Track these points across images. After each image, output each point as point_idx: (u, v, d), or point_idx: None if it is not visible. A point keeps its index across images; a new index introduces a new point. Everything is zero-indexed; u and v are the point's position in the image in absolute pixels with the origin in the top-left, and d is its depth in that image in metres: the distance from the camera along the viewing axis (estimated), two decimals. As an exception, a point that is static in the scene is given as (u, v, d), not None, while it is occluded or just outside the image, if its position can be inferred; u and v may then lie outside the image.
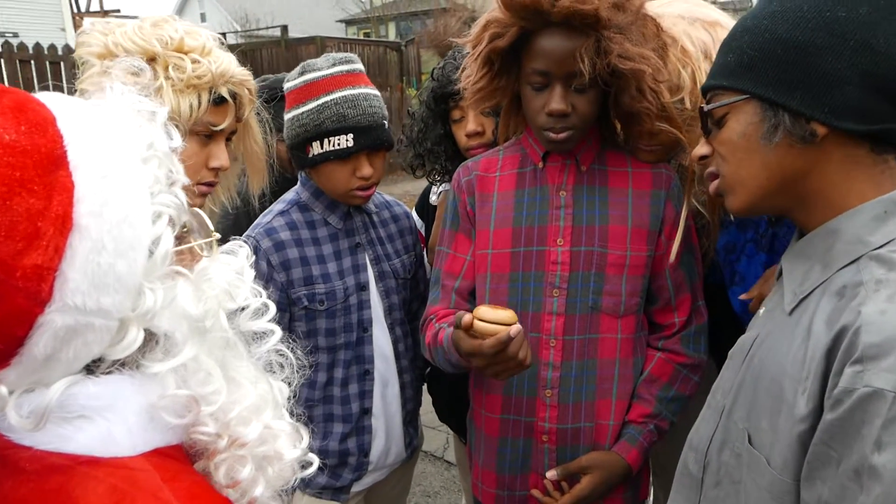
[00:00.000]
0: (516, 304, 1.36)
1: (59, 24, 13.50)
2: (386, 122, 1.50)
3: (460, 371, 1.36)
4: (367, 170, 1.47)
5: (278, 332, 0.70)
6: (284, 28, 13.77)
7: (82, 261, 0.52)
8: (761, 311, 0.94)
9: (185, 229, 0.66)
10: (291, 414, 0.73)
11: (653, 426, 1.38)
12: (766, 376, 0.82)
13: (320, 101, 1.44)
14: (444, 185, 1.88)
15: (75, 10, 13.77)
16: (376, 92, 1.52)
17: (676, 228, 1.36)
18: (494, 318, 1.15)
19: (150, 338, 0.60)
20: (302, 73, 1.50)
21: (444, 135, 1.79)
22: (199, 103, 1.15)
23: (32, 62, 8.10)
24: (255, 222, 1.55)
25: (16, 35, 10.78)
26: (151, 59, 1.12)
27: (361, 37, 24.46)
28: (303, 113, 1.46)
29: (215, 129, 1.21)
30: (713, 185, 0.93)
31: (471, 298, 1.46)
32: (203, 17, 33.80)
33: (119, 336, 0.56)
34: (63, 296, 0.51)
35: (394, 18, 27.21)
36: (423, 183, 2.02)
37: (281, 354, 0.73)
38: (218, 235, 0.69)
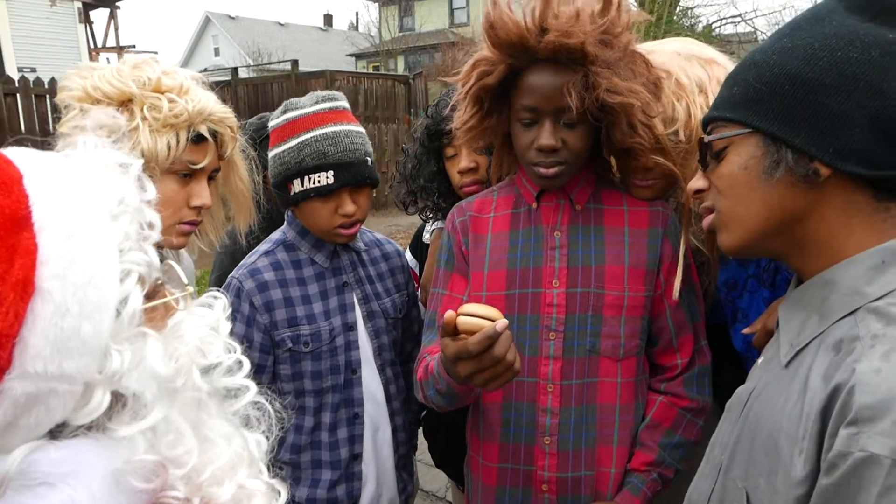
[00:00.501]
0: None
1: (76, 59, 13.86)
2: (369, 159, 1.48)
3: (452, 403, 1.30)
4: (349, 207, 1.45)
5: (253, 388, 0.68)
6: (295, 62, 14.00)
7: (45, 325, 0.50)
8: (760, 360, 0.90)
9: (160, 282, 0.65)
10: (274, 463, 0.71)
11: (656, 475, 1.33)
12: (763, 432, 0.78)
13: (301, 139, 1.43)
14: (437, 222, 1.86)
15: (92, 46, 14.13)
16: (360, 129, 1.51)
17: (675, 267, 1.33)
18: (479, 313, 1.06)
19: (118, 400, 0.57)
20: (284, 112, 1.50)
21: (438, 172, 1.78)
22: (177, 142, 1.15)
23: (48, 97, 8.27)
24: (241, 263, 1.53)
25: (33, 70, 11.06)
26: (128, 101, 1.13)
27: (371, 70, 24.90)
28: (284, 151, 1.46)
29: (195, 167, 1.20)
30: (707, 220, 0.91)
31: None
32: (217, 52, 34.63)
33: (84, 400, 0.54)
34: (23, 362, 0.50)
35: (402, 52, 27.72)
36: (413, 218, 2.01)
37: (259, 408, 0.71)
38: (192, 289, 0.68)
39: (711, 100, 1.30)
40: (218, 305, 0.68)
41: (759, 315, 1.51)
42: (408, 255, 1.95)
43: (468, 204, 1.45)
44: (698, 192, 0.91)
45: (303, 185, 1.43)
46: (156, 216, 0.63)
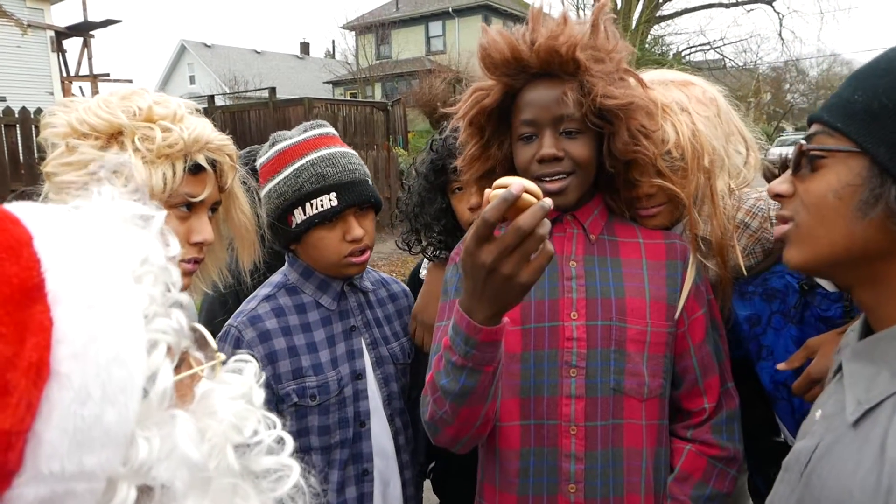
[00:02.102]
0: (529, 388, 1.24)
1: (48, 89, 13.62)
2: (369, 180, 1.41)
3: (466, 388, 1.07)
4: (357, 230, 1.37)
5: (297, 469, 0.58)
6: (272, 90, 13.97)
7: (62, 416, 0.42)
8: (817, 414, 0.82)
9: (185, 349, 0.56)
10: None
11: None
12: (830, 498, 0.70)
13: (296, 166, 1.36)
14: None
15: (65, 75, 13.92)
16: (353, 151, 1.44)
17: (698, 303, 1.28)
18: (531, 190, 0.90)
19: (145, 492, 0.48)
20: (273, 145, 1.42)
21: (444, 209, 1.68)
22: (174, 173, 1.06)
23: (18, 126, 8.06)
24: (238, 309, 1.41)
25: (3, 99, 10.81)
26: (118, 134, 1.04)
27: (348, 97, 25.01)
28: (279, 182, 1.38)
29: (194, 200, 1.11)
30: (780, 230, 0.82)
31: None
32: (192, 80, 34.50)
33: (106, 498, 0.45)
34: (37, 462, 0.40)
35: (380, 79, 27.93)
36: (395, 245, 1.90)
37: (295, 487, 0.62)
38: (223, 356, 0.58)
39: (694, 117, 1.30)
40: (249, 371, 0.59)
41: (786, 352, 1.46)
42: None
43: None
44: (778, 196, 0.82)
45: (305, 214, 1.35)
46: (178, 274, 0.54)
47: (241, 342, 1.35)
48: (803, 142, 0.77)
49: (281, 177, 1.38)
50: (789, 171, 0.81)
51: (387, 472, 1.45)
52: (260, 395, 0.58)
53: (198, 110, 1.17)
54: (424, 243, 1.73)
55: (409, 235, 1.74)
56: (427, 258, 1.77)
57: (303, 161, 1.36)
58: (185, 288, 1.17)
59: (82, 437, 0.42)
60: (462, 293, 1.01)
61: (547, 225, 0.90)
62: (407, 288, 1.66)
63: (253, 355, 1.32)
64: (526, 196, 0.88)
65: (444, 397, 1.11)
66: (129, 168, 0.61)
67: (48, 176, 1.03)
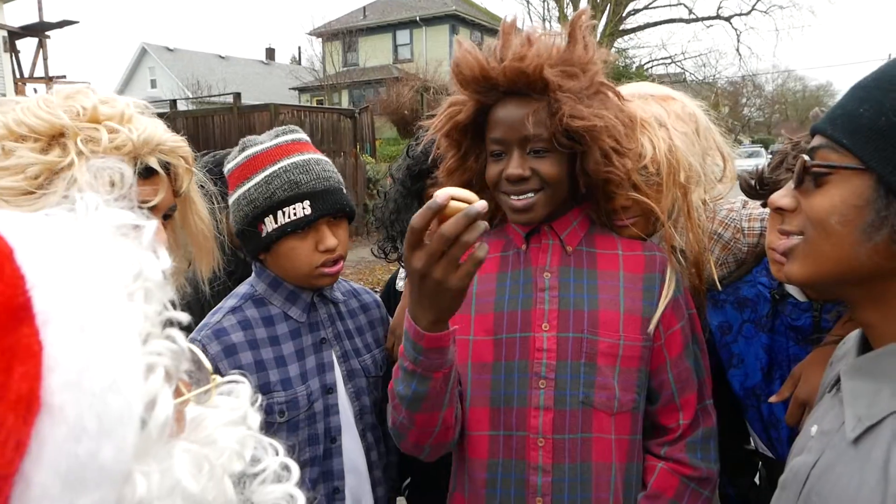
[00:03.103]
0: (499, 398, 1.23)
1: (0, 90, 13.13)
2: (343, 188, 1.37)
3: (419, 393, 1.09)
4: (330, 240, 1.32)
5: (302, 500, 0.54)
6: (237, 95, 13.73)
7: (54, 454, 0.37)
8: (813, 429, 0.81)
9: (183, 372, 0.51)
10: None
11: None
12: None
13: (268, 172, 1.30)
14: None
15: (18, 76, 13.45)
16: (327, 159, 1.39)
17: (675, 316, 1.26)
18: (460, 196, 0.93)
19: None
20: (243, 150, 1.36)
21: None
22: (122, 178, 1.01)
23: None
24: (203, 322, 1.35)
25: (-48, 100, 10.34)
26: (60, 135, 0.97)
27: (315, 104, 24.77)
28: (249, 188, 1.32)
29: (146, 206, 1.04)
30: (784, 244, 0.81)
31: None
32: (153, 84, 33.73)
33: None
34: None
35: (347, 87, 27.76)
36: (363, 252, 1.87)
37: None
38: (220, 379, 0.54)
39: (672, 133, 1.30)
40: (243, 392, 0.54)
41: (756, 361, 1.47)
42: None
43: None
44: (780, 209, 0.80)
45: (276, 222, 1.29)
46: (172, 289, 0.50)
47: (207, 355, 1.28)
48: (806, 157, 0.74)
49: (251, 183, 1.32)
50: (791, 184, 0.79)
51: (359, 491, 1.40)
52: (256, 418, 0.53)
53: (148, 108, 1.09)
54: (401, 251, 1.69)
55: (386, 243, 1.71)
56: (402, 266, 1.74)
57: (275, 167, 1.31)
58: None
59: (76, 477, 0.37)
60: (409, 299, 1.03)
61: (476, 231, 0.92)
62: (379, 299, 1.61)
63: (218, 370, 1.26)
64: (454, 204, 0.91)
65: (401, 403, 1.13)
66: (117, 172, 0.55)
67: None
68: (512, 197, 1.21)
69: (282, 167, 1.31)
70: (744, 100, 39.36)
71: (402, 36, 30.88)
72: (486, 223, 0.93)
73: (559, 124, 1.14)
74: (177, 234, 1.21)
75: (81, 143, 0.96)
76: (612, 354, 1.21)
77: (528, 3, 23.48)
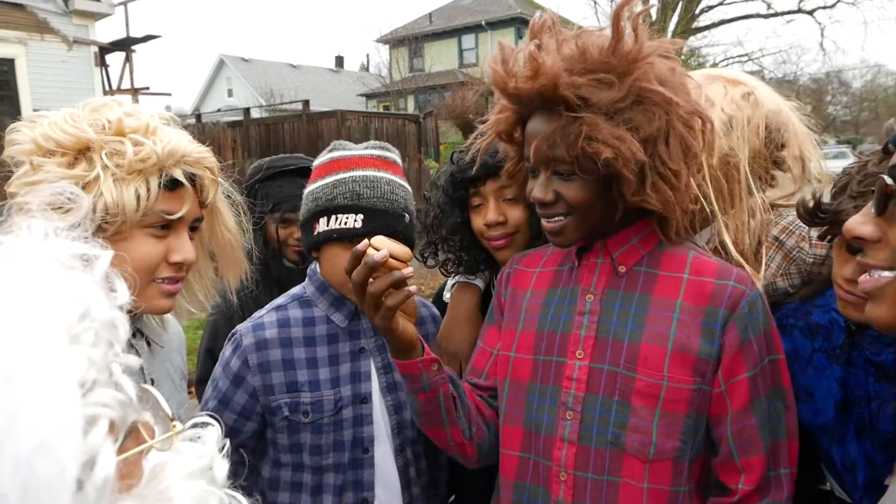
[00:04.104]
0: (531, 421, 1.17)
1: (91, 102, 14.01)
2: (408, 216, 1.35)
3: (420, 414, 1.20)
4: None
5: None
6: (306, 102, 14.13)
7: None
8: None
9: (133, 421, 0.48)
10: None
11: None
12: None
13: (338, 177, 1.33)
14: (457, 276, 1.70)
15: (107, 88, 14.32)
16: (405, 184, 1.39)
17: (744, 364, 1.08)
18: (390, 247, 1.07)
19: None
20: (331, 151, 1.41)
21: (462, 223, 1.62)
22: (147, 190, 0.99)
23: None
24: (252, 315, 1.41)
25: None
26: (86, 149, 0.98)
27: (381, 110, 25.17)
28: (319, 186, 1.35)
29: (172, 217, 1.04)
30: (868, 283, 0.70)
31: (491, 399, 1.30)
32: (230, 93, 35.25)
33: None
34: None
35: (412, 92, 28.06)
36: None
37: None
38: (181, 426, 0.51)
39: (716, 112, 1.22)
40: (210, 437, 0.50)
41: (829, 396, 1.33)
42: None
43: (521, 256, 1.35)
44: (859, 238, 0.69)
45: (327, 225, 1.31)
46: (126, 329, 0.47)
47: (239, 349, 1.34)
48: (889, 180, 0.65)
49: (322, 182, 1.35)
50: (871, 208, 0.68)
51: None
52: (223, 467, 0.50)
53: (174, 119, 1.10)
54: (441, 257, 1.67)
55: (426, 248, 1.69)
56: (443, 273, 1.72)
57: (346, 175, 1.33)
58: (168, 310, 1.11)
59: None
60: None
61: (382, 283, 1.04)
62: (436, 313, 1.59)
63: (247, 361, 1.29)
64: (391, 261, 1.05)
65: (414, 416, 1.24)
66: (70, 197, 0.51)
67: (11, 196, 0.97)
68: (544, 221, 1.15)
69: (352, 176, 1.32)
70: (828, 98, 37.07)
71: (468, 40, 30.93)
72: (402, 275, 1.05)
73: (579, 148, 1.03)
74: (204, 245, 1.22)
75: (106, 157, 0.97)
76: (652, 395, 1.09)
77: (595, 2, 22.95)
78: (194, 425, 0.51)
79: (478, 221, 1.58)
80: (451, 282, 1.77)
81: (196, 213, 1.11)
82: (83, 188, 0.94)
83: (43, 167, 0.96)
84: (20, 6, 12.36)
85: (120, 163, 0.97)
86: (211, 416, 0.55)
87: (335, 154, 1.39)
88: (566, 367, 1.15)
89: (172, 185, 1.04)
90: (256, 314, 1.40)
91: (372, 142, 1.41)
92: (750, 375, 1.09)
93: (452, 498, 1.68)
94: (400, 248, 1.06)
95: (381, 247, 1.05)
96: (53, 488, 0.36)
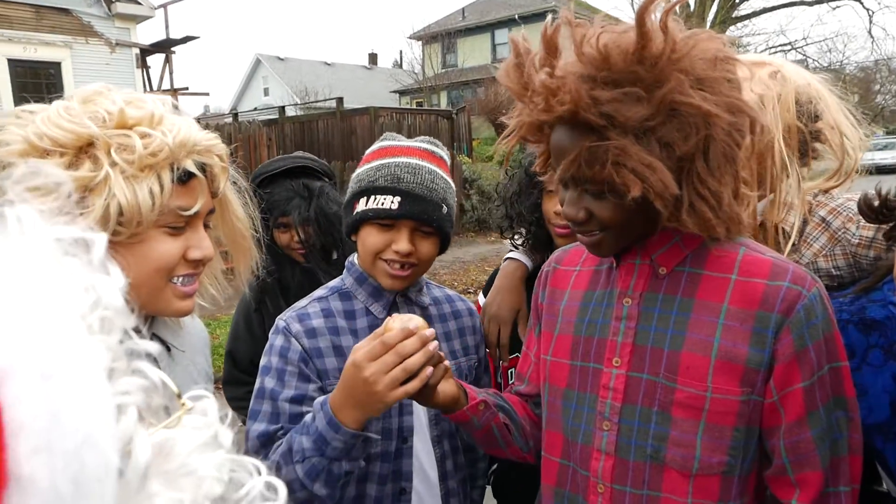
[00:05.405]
0: (569, 428, 1.13)
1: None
2: (446, 207, 1.34)
3: (481, 444, 1.28)
4: (403, 244, 1.29)
5: None
6: (340, 100, 14.25)
7: None
8: None
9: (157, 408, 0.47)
10: None
11: None
12: None
13: (383, 161, 1.35)
14: (512, 252, 1.80)
15: (148, 89, 14.73)
16: (448, 178, 1.39)
17: (800, 373, 0.98)
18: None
19: None
20: (381, 140, 1.43)
21: (537, 205, 1.70)
22: (161, 186, 0.90)
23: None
24: (291, 306, 1.42)
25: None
26: (88, 146, 0.87)
27: (414, 106, 25.23)
28: (364, 169, 1.38)
29: (188, 213, 0.95)
30: None
31: (534, 406, 1.29)
32: (266, 92, 35.88)
33: None
34: None
35: (445, 88, 28.06)
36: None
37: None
38: (191, 405, 0.49)
39: (746, 94, 1.18)
40: (210, 408, 0.48)
41: (885, 395, 1.26)
42: (481, 299, 1.81)
43: (561, 253, 1.31)
44: None
45: (366, 205, 1.32)
46: (129, 312, 0.44)
47: (290, 333, 1.34)
48: None
49: (368, 165, 1.38)
50: None
51: (427, 498, 1.36)
52: (228, 436, 0.47)
53: (175, 105, 1.00)
54: (515, 229, 1.77)
55: (503, 221, 1.80)
56: (514, 247, 1.80)
57: (391, 160, 1.35)
58: (189, 312, 1.05)
59: None
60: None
61: (413, 346, 1.07)
62: (472, 307, 1.59)
63: (302, 345, 1.31)
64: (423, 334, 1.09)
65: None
66: (51, 179, 0.45)
67: None
68: (579, 235, 1.08)
69: (395, 162, 1.34)
70: (877, 86, 35.67)
71: (501, 35, 30.73)
72: (434, 346, 1.08)
73: (607, 174, 0.94)
74: (214, 236, 1.14)
75: (115, 154, 0.87)
76: (695, 407, 1.01)
77: (631, -7, 22.55)
78: (189, 396, 0.49)
79: (548, 205, 1.65)
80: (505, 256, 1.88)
81: (210, 205, 1.03)
82: (90, 191, 0.86)
83: (11, 170, 0.92)
84: (66, 11, 12.78)
85: (129, 158, 0.88)
86: (205, 388, 0.52)
87: (385, 143, 1.41)
88: (602, 375, 1.09)
89: (186, 178, 0.95)
90: (297, 304, 1.40)
91: (423, 136, 1.43)
92: (806, 386, 0.99)
93: (494, 467, 1.72)
94: (418, 321, 1.11)
95: (398, 325, 1.09)
96: (101, 479, 0.35)
